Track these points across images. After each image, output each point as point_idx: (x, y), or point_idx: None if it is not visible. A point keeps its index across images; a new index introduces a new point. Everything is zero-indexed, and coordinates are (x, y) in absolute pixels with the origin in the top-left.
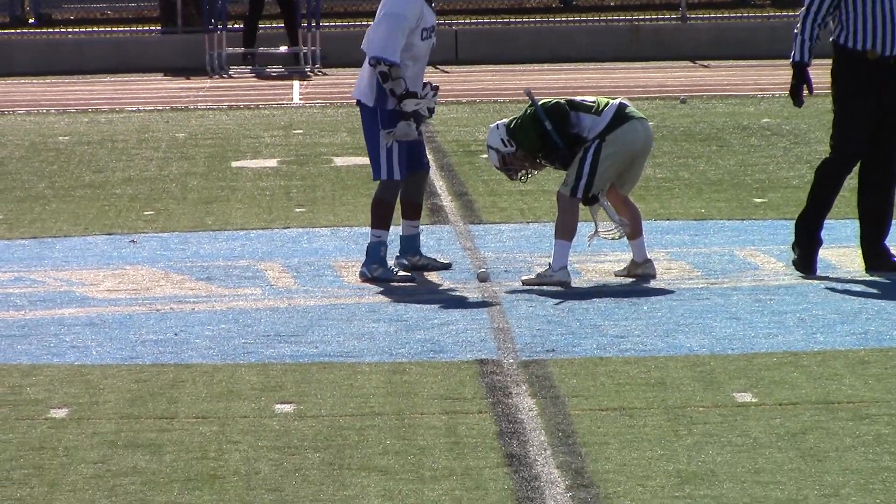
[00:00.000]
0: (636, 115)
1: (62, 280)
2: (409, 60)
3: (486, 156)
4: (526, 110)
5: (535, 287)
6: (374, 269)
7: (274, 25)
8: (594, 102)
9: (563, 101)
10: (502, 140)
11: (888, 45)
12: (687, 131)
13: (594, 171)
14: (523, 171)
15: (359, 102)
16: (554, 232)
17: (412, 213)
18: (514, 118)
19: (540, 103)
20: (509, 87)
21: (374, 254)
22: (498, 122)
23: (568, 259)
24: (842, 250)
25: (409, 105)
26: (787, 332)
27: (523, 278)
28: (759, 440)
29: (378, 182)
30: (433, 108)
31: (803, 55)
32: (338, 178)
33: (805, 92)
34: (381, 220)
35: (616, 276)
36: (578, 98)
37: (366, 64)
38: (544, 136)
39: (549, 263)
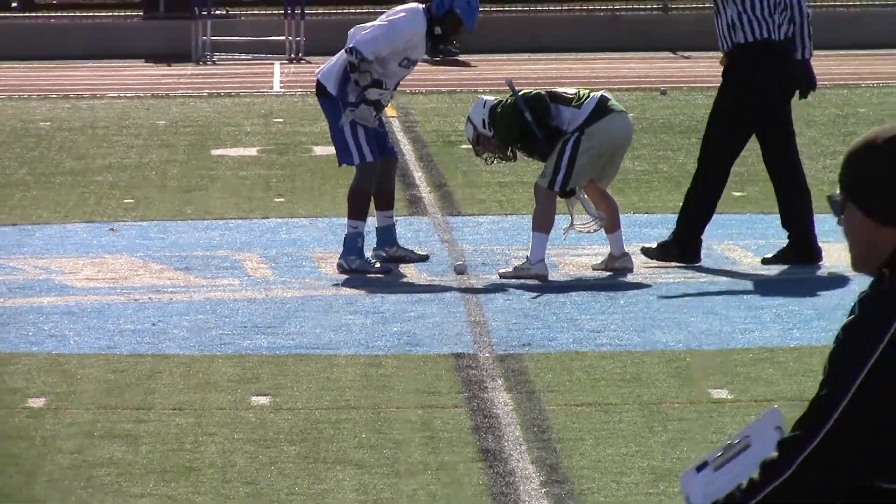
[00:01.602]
0: (616, 109)
1: (41, 268)
2: (378, 72)
3: (466, 146)
4: (506, 99)
5: (513, 280)
6: (352, 261)
7: (259, 13)
8: (574, 94)
9: (543, 92)
10: (483, 120)
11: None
12: (667, 123)
13: (572, 164)
14: (490, 155)
15: (320, 91)
16: (532, 224)
17: (384, 202)
18: (499, 101)
19: (521, 93)
20: (489, 76)
21: (352, 245)
22: (486, 98)
23: (545, 252)
24: (819, 245)
25: (373, 94)
26: (763, 328)
27: (500, 271)
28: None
29: (355, 171)
30: (391, 99)
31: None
32: (317, 168)
33: None
34: (357, 209)
35: (594, 269)
36: (559, 89)
37: (340, 53)
38: (523, 127)
39: (527, 256)
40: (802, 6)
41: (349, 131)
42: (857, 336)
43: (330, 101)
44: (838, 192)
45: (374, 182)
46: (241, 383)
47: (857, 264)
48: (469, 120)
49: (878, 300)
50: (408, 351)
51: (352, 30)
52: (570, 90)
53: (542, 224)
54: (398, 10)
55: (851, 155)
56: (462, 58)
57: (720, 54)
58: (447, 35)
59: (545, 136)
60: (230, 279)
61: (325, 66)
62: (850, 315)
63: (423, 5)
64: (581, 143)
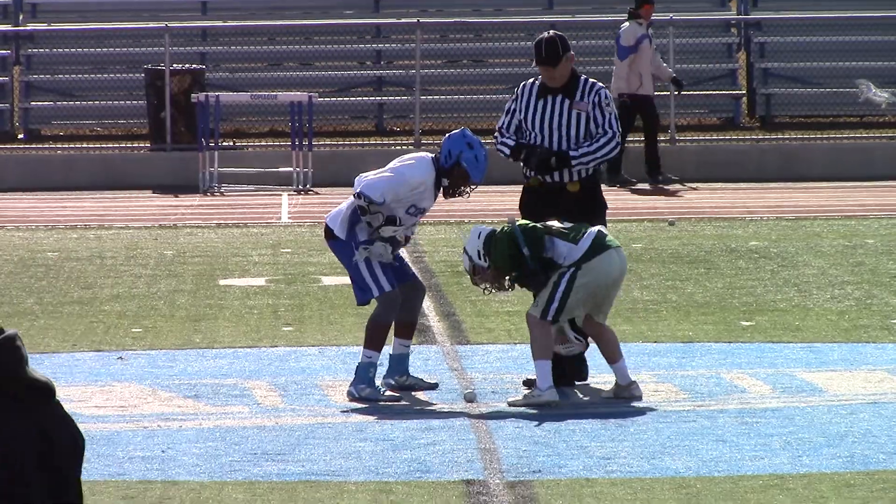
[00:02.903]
0: (613, 245)
1: None
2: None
3: None
4: (503, 228)
5: (522, 408)
6: (363, 390)
7: (266, 144)
8: (571, 229)
9: (540, 226)
10: (478, 251)
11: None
12: (675, 253)
13: (566, 298)
14: (487, 285)
15: (329, 235)
16: (532, 354)
17: (405, 332)
18: (494, 230)
19: (518, 224)
20: (496, 207)
21: (364, 374)
22: (482, 228)
23: (551, 378)
24: (828, 374)
25: (387, 231)
26: (773, 455)
27: (510, 400)
28: None
29: (376, 303)
30: (410, 235)
31: (508, 144)
32: (325, 298)
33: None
34: (375, 341)
35: (603, 397)
36: (555, 223)
37: (349, 198)
38: (519, 258)
39: (536, 385)
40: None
41: (364, 266)
42: None
43: (339, 243)
44: None
45: (395, 313)
46: None
47: None
48: (465, 251)
49: None
50: (418, 477)
51: (359, 176)
52: (567, 224)
53: (542, 351)
54: (407, 158)
55: None
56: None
57: (730, 185)
58: (454, 187)
59: (541, 267)
60: (239, 407)
61: (333, 211)
62: None
63: (433, 155)
64: (577, 277)
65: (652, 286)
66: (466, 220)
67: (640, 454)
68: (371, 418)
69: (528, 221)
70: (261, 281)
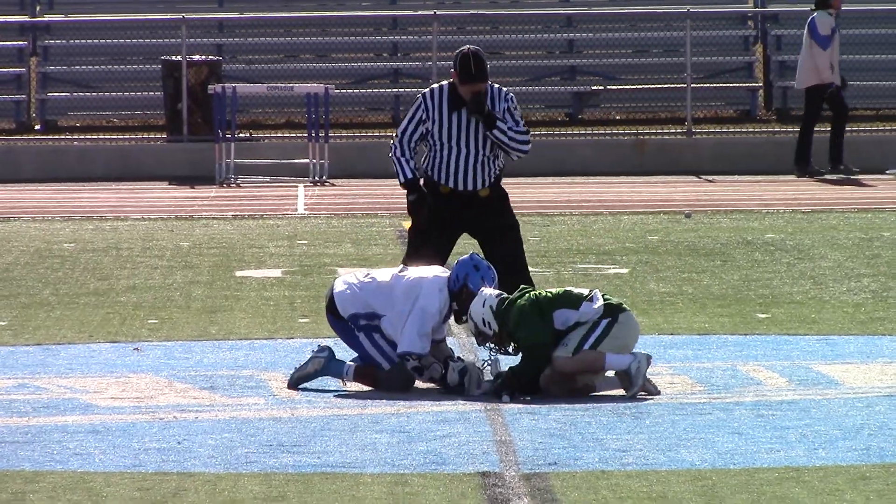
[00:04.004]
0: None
1: (66, 387)
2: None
3: None
4: (519, 296)
5: (539, 401)
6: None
7: (282, 135)
8: (565, 295)
9: (543, 297)
10: (483, 319)
11: (460, 183)
12: (691, 246)
13: (598, 343)
14: (492, 345)
15: (330, 310)
16: (591, 388)
17: None
18: (505, 298)
19: (526, 296)
20: (514, 199)
21: (331, 370)
22: (486, 296)
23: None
24: (844, 366)
25: (453, 378)
26: (789, 448)
27: (631, 392)
28: None
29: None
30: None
31: (406, 174)
32: None
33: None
34: (364, 381)
35: (626, 393)
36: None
37: (359, 278)
38: (543, 332)
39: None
40: None
41: (368, 343)
42: None
43: (340, 323)
44: None
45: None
46: (267, 501)
47: None
48: (470, 316)
49: None
50: (434, 469)
51: (386, 323)
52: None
53: (595, 359)
54: (419, 286)
55: None
56: None
57: (747, 177)
58: (462, 311)
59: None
60: (255, 398)
61: (342, 285)
62: None
63: (443, 276)
64: (613, 327)
65: (668, 278)
66: None
67: (655, 446)
68: (387, 410)
69: (531, 292)
70: (277, 272)
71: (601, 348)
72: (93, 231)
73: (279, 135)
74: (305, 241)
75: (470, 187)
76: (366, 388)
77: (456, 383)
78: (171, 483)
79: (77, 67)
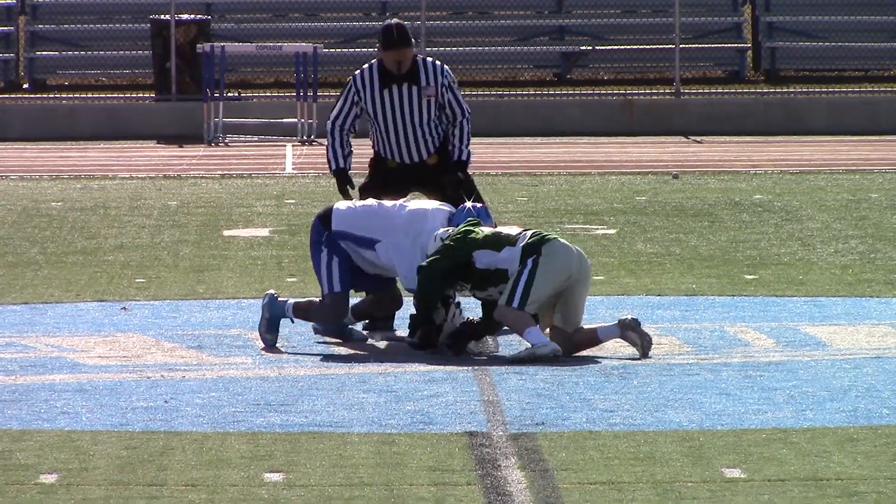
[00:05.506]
0: (560, 237)
1: (53, 346)
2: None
3: None
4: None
5: (526, 361)
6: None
7: (271, 94)
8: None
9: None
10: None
11: (405, 156)
12: (679, 207)
13: (530, 285)
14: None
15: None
16: (518, 334)
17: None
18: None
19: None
20: (502, 159)
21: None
22: (441, 231)
23: (542, 335)
24: (832, 328)
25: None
26: (776, 409)
27: (511, 356)
28: None
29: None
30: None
31: (338, 163)
32: None
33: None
34: (304, 315)
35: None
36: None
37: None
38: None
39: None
40: None
41: (324, 263)
42: None
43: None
44: None
45: (338, 318)
46: (255, 460)
47: None
48: (427, 255)
49: None
50: (421, 429)
51: (380, 248)
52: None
53: (522, 323)
54: (422, 218)
55: None
56: (475, 140)
57: (735, 138)
58: None
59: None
60: (243, 357)
61: (347, 209)
62: None
63: (445, 209)
64: (539, 264)
65: (655, 239)
66: (471, 171)
67: (643, 407)
68: (374, 369)
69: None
70: (265, 232)
71: (538, 285)
72: (80, 190)
73: (268, 94)
74: (293, 201)
75: (416, 159)
76: (351, 352)
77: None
78: (158, 442)
79: (66, 26)
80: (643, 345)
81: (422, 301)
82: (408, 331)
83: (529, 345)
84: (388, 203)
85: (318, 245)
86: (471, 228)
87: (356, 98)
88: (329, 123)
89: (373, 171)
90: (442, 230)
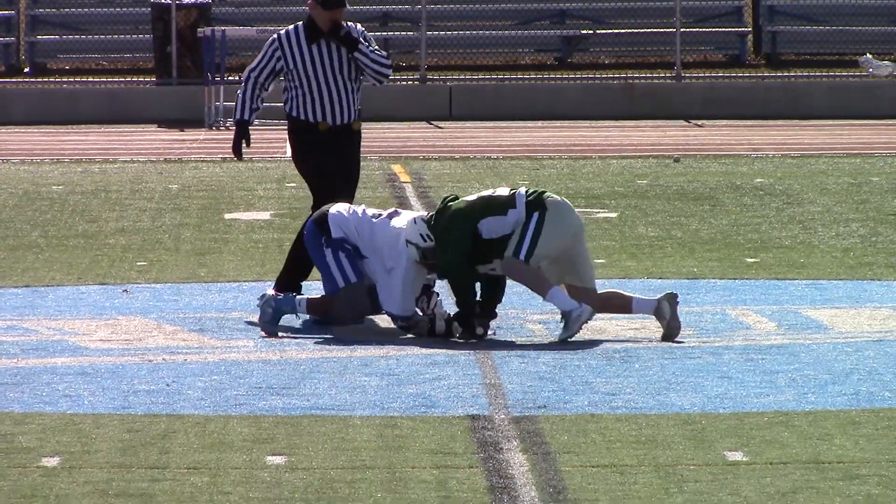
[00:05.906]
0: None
1: (55, 329)
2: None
3: None
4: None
5: (528, 344)
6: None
7: None
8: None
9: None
10: (421, 235)
11: (337, 117)
12: (680, 190)
13: (537, 237)
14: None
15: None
16: (538, 295)
17: None
18: (432, 214)
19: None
20: (503, 143)
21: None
22: (413, 215)
23: (568, 298)
24: (833, 311)
25: (440, 327)
26: (778, 392)
27: (562, 337)
28: (750, 499)
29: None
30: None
31: (243, 113)
32: None
33: (245, 146)
34: (317, 311)
35: (663, 339)
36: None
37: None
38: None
39: (562, 314)
40: None
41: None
42: None
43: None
44: None
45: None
46: (257, 443)
47: None
48: (408, 242)
49: None
50: (423, 412)
51: (366, 266)
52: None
53: (542, 284)
54: (402, 241)
55: None
56: (475, 124)
57: (736, 122)
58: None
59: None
60: (245, 340)
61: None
62: None
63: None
64: (545, 218)
65: (657, 222)
66: (472, 155)
67: (645, 390)
68: (376, 353)
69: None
70: (266, 215)
71: (545, 237)
72: (81, 174)
73: None
74: (294, 184)
75: (346, 120)
76: (353, 336)
77: (443, 331)
78: (160, 425)
79: (66, 10)
80: (670, 324)
81: (459, 296)
82: (458, 330)
83: (558, 310)
84: (371, 213)
85: (320, 247)
86: (452, 204)
87: (278, 55)
88: (246, 72)
89: (300, 141)
90: (413, 215)
